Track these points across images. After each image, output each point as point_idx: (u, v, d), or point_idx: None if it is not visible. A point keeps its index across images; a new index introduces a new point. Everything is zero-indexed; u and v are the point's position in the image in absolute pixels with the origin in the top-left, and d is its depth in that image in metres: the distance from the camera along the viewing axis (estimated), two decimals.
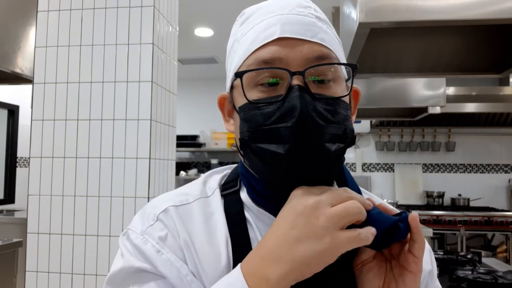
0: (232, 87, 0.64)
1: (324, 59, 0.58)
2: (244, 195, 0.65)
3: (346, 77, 0.63)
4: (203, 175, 0.72)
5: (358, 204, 0.51)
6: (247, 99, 0.58)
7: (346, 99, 0.60)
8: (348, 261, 0.60)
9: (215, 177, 0.70)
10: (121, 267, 0.60)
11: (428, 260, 0.71)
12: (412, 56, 1.57)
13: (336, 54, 0.61)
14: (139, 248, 0.60)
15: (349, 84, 0.64)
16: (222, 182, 0.69)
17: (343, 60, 0.63)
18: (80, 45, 1.87)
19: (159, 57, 1.90)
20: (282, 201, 0.56)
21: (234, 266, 0.58)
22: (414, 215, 0.54)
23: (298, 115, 0.53)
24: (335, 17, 3.08)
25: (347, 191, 0.54)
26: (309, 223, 0.50)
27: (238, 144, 0.61)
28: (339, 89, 0.60)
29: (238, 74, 0.59)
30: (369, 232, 0.51)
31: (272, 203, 0.60)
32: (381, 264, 0.57)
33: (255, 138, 0.56)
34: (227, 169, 0.73)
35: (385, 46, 1.51)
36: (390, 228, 0.52)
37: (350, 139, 0.57)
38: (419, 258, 0.54)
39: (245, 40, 0.62)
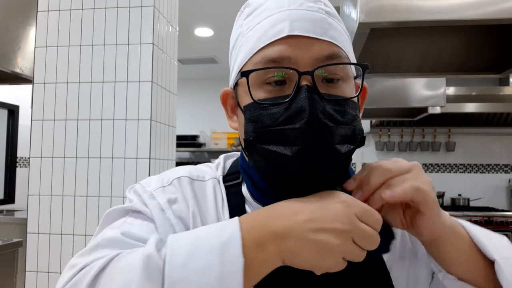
0: (236, 84, 0.61)
1: (334, 58, 0.56)
2: (244, 189, 0.64)
3: (355, 74, 0.61)
4: (217, 160, 0.72)
5: (376, 235, 0.49)
6: (253, 99, 0.56)
7: (355, 98, 0.58)
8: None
9: (221, 163, 0.70)
10: (124, 206, 0.61)
11: None
12: (412, 56, 1.57)
13: (346, 52, 0.59)
14: (145, 200, 0.60)
15: (358, 83, 0.62)
16: (226, 172, 0.68)
17: (353, 56, 0.61)
18: (80, 45, 1.87)
19: (159, 57, 1.90)
20: (284, 199, 0.55)
21: None
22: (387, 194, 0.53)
23: (307, 117, 0.51)
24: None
25: (375, 214, 0.51)
26: (334, 225, 0.48)
27: (243, 144, 0.59)
28: (348, 89, 0.58)
29: (244, 73, 0.56)
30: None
31: (273, 201, 0.59)
32: (397, 207, 0.56)
33: (261, 139, 0.54)
34: (228, 157, 0.72)
35: (385, 46, 1.51)
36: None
37: (360, 139, 0.55)
38: (425, 214, 0.53)
39: (251, 35, 0.59)
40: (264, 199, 0.60)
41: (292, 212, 0.49)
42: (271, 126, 0.53)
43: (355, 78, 0.61)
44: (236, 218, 0.50)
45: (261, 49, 0.56)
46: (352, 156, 0.57)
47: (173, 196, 0.61)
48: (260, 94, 0.56)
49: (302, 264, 0.48)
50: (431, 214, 0.53)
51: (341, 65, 0.57)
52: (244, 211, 0.62)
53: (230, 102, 0.65)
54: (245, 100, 0.58)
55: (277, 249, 0.48)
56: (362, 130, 0.57)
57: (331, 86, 0.56)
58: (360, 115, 0.64)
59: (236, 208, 0.62)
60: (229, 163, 0.70)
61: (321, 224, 0.47)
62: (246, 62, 0.58)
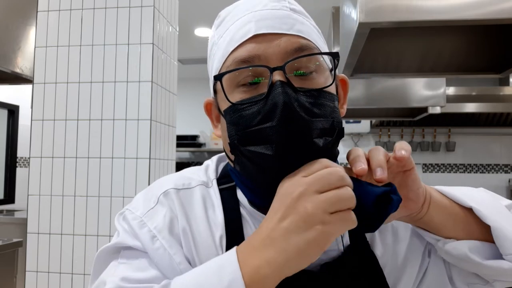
0: (215, 92, 0.62)
1: (303, 50, 0.56)
2: (239, 192, 0.64)
3: (330, 66, 0.60)
4: (206, 162, 0.71)
5: (348, 192, 0.48)
6: (229, 101, 0.56)
7: (332, 89, 0.58)
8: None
9: (212, 165, 0.69)
10: (115, 242, 0.60)
11: None
12: (412, 56, 1.57)
13: (316, 44, 0.58)
14: (135, 230, 0.59)
15: (344, 78, 0.62)
16: (219, 175, 0.67)
17: (325, 49, 0.61)
18: (80, 45, 1.87)
19: (159, 57, 1.90)
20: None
21: None
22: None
23: (280, 112, 0.50)
24: (335, 17, 3.07)
25: (335, 174, 0.49)
26: (298, 213, 0.48)
27: (228, 149, 0.58)
28: (323, 80, 0.57)
29: (217, 77, 0.57)
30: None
31: (265, 201, 0.58)
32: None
33: (244, 141, 0.54)
34: (221, 159, 0.71)
35: (385, 46, 1.51)
36: (381, 197, 0.51)
37: (338, 131, 0.55)
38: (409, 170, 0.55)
39: (222, 42, 0.60)
40: (258, 200, 0.60)
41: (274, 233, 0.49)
42: (251, 127, 0.53)
43: (331, 70, 0.60)
44: (234, 256, 0.50)
45: (231, 52, 0.57)
46: None
47: (162, 217, 0.60)
48: (236, 96, 0.56)
49: (308, 264, 0.49)
50: (415, 170, 0.56)
51: (313, 58, 0.56)
52: (239, 215, 0.61)
53: (214, 111, 0.65)
54: (224, 105, 0.58)
55: (280, 274, 0.48)
56: (341, 122, 0.56)
57: (305, 79, 0.56)
58: (344, 108, 0.64)
59: (231, 211, 0.62)
60: (222, 165, 0.69)
61: (301, 236, 0.47)
62: (220, 68, 0.59)
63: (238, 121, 0.55)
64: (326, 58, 0.60)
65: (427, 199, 0.59)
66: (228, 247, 0.58)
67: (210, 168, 0.68)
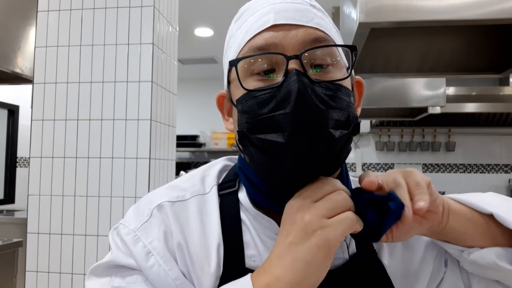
0: (229, 82, 0.61)
1: (321, 41, 0.55)
2: (242, 195, 0.62)
3: (347, 65, 0.59)
4: (202, 168, 0.69)
5: (342, 195, 0.49)
6: (243, 87, 0.54)
7: (348, 85, 0.57)
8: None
9: (214, 172, 0.67)
10: (108, 260, 0.58)
11: None
12: (412, 56, 1.57)
13: (334, 39, 0.58)
14: (129, 246, 0.58)
15: (359, 80, 0.62)
16: (221, 180, 0.66)
17: (340, 41, 0.61)
18: (80, 45, 1.87)
19: (159, 57, 1.90)
20: (283, 198, 0.54)
21: (224, 270, 0.57)
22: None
23: (295, 99, 0.49)
24: (335, 17, 3.08)
25: (329, 183, 0.51)
26: (297, 225, 0.49)
27: (237, 138, 0.57)
28: (339, 74, 0.56)
29: (233, 62, 0.55)
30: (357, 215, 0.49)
31: (273, 201, 0.58)
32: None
33: (254, 129, 0.52)
34: (227, 161, 0.70)
35: (385, 46, 1.51)
36: (380, 204, 0.50)
37: (354, 125, 0.53)
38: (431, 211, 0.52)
39: (239, 33, 0.59)
40: (264, 200, 0.59)
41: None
42: (263, 114, 0.52)
43: (348, 68, 0.59)
44: (247, 279, 0.50)
45: (248, 41, 0.57)
46: (352, 156, 0.57)
47: (156, 231, 0.59)
48: (250, 84, 0.55)
49: (321, 275, 0.49)
50: (431, 183, 0.54)
51: (330, 52, 0.56)
52: (238, 220, 0.60)
53: (226, 104, 0.64)
54: (238, 94, 0.57)
55: None
56: (356, 117, 0.55)
57: (321, 72, 0.54)
58: (359, 110, 0.63)
59: (230, 218, 0.61)
60: (225, 174, 0.68)
61: (304, 246, 0.48)
62: (236, 57, 0.58)
63: (250, 109, 0.53)
64: (343, 56, 0.59)
65: (446, 208, 0.57)
66: (226, 255, 0.58)
67: (210, 176, 0.66)
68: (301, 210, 0.49)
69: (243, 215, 0.61)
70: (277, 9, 0.56)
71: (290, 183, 0.53)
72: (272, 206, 0.58)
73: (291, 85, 0.50)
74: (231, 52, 0.60)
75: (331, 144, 0.51)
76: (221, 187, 0.64)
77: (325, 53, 0.55)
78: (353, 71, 0.59)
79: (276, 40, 0.54)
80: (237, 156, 0.69)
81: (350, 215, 0.48)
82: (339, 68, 0.57)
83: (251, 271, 0.53)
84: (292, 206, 0.51)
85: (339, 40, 0.60)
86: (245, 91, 0.54)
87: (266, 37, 0.55)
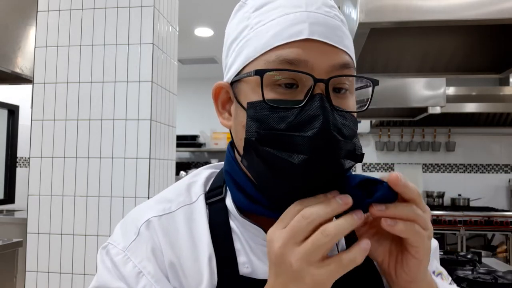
0: (238, 80, 0.58)
1: (347, 68, 0.55)
2: (229, 202, 0.61)
3: (357, 86, 0.60)
4: (187, 177, 0.67)
5: (327, 231, 0.47)
6: (264, 99, 0.52)
7: (355, 114, 0.57)
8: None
9: (200, 180, 0.66)
10: (97, 286, 0.57)
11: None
12: (412, 56, 1.57)
13: (354, 62, 0.58)
14: (118, 267, 0.57)
15: (369, 103, 0.60)
16: (208, 188, 0.65)
17: (354, 62, 0.60)
18: (80, 45, 1.87)
19: (159, 57, 1.90)
20: (273, 206, 0.54)
21: (219, 280, 0.56)
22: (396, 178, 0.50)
23: (319, 126, 0.49)
24: None
25: (305, 218, 0.48)
26: (286, 270, 0.47)
27: (239, 139, 0.56)
28: (353, 102, 0.57)
29: (259, 72, 0.53)
30: (357, 252, 0.47)
31: (259, 205, 0.57)
32: (386, 235, 0.54)
33: (265, 141, 0.51)
34: (213, 168, 0.68)
35: (385, 46, 1.51)
36: (368, 179, 0.50)
37: (359, 156, 0.54)
38: (418, 247, 0.50)
39: (264, 30, 0.55)
40: (250, 205, 0.58)
41: None
42: (279, 130, 0.51)
43: (357, 89, 0.60)
44: None
45: (275, 47, 0.54)
46: None
47: (145, 250, 0.58)
48: (269, 95, 0.53)
49: None
50: (421, 261, 0.52)
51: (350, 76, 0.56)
52: (228, 229, 0.59)
53: (222, 97, 0.62)
54: (250, 97, 0.55)
55: None
56: (361, 147, 0.55)
57: (339, 97, 0.55)
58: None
59: (219, 227, 0.60)
60: (212, 180, 0.66)
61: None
62: (256, 58, 0.55)
63: (265, 119, 0.52)
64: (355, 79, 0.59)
65: (417, 284, 0.54)
66: (219, 265, 0.57)
67: (197, 184, 0.65)
68: (286, 255, 0.48)
69: (232, 223, 0.60)
70: (312, 19, 0.54)
71: (288, 197, 0.52)
72: (258, 211, 0.57)
73: (315, 109, 0.50)
74: (248, 47, 0.56)
75: (339, 172, 0.51)
76: (208, 195, 0.63)
77: (346, 78, 0.55)
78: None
79: (307, 58, 0.52)
80: (222, 163, 0.67)
81: (345, 260, 0.47)
82: (353, 94, 0.57)
83: (246, 278, 0.53)
84: (273, 243, 0.49)
85: (354, 59, 0.60)
86: (261, 97, 0.53)
87: (297, 51, 0.53)
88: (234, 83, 0.59)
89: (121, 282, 0.56)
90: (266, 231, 0.52)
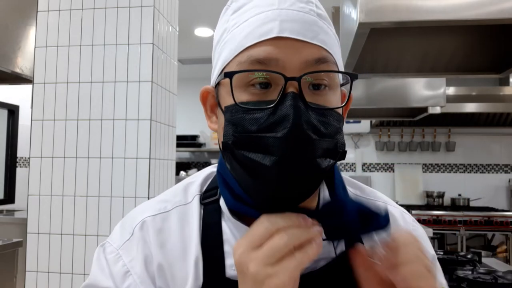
0: (218, 83, 0.58)
1: (323, 63, 0.53)
2: (222, 203, 0.61)
3: (342, 82, 0.58)
4: (188, 177, 0.68)
5: (284, 239, 0.47)
6: (235, 101, 0.52)
7: (340, 109, 0.56)
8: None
9: (198, 180, 0.66)
10: (88, 284, 0.60)
11: (429, 245, 0.67)
12: (412, 56, 1.57)
13: (335, 58, 0.56)
14: (110, 266, 0.59)
15: (345, 90, 0.59)
16: (204, 189, 0.65)
17: (341, 62, 0.59)
18: (80, 45, 1.87)
19: (159, 57, 1.90)
20: (258, 206, 0.54)
21: (205, 280, 0.57)
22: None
23: (289, 126, 0.48)
24: (335, 17, 3.07)
25: (272, 223, 0.49)
26: (246, 276, 0.48)
27: (221, 143, 0.56)
28: (334, 98, 0.55)
29: (228, 74, 0.52)
30: (308, 248, 0.48)
31: (246, 206, 0.57)
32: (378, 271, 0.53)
33: (240, 144, 0.51)
34: (213, 168, 0.69)
35: (385, 46, 1.51)
36: (365, 209, 0.50)
37: (340, 153, 0.53)
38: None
39: (237, 32, 0.55)
40: (240, 206, 0.58)
41: None
42: (252, 132, 0.50)
43: (342, 85, 0.59)
44: None
45: (247, 48, 0.53)
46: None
47: (135, 251, 0.59)
48: (243, 96, 0.53)
49: None
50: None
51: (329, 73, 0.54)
52: (220, 230, 0.60)
53: (210, 101, 0.62)
54: (227, 101, 0.55)
55: None
56: (344, 144, 0.54)
57: (317, 94, 0.53)
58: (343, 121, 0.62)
59: (211, 228, 0.60)
60: (209, 181, 0.67)
61: None
62: (231, 61, 0.55)
63: (239, 122, 0.52)
64: (340, 75, 0.57)
65: None
66: (206, 267, 0.58)
67: (194, 185, 0.66)
68: (244, 261, 0.48)
69: (224, 224, 0.61)
70: (283, 16, 0.53)
71: (268, 200, 0.53)
72: (247, 212, 0.57)
73: (286, 109, 0.49)
74: (225, 50, 0.57)
75: (316, 173, 0.51)
76: (204, 195, 0.64)
77: (324, 74, 0.54)
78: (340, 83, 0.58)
79: (278, 56, 0.51)
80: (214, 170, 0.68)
81: (299, 256, 0.47)
82: (335, 90, 0.56)
83: (231, 281, 0.53)
84: (236, 251, 0.50)
85: (338, 56, 0.58)
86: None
87: (267, 50, 0.52)
88: (216, 86, 0.59)
89: (109, 280, 0.58)
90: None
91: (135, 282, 0.57)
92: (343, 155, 0.54)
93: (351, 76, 0.55)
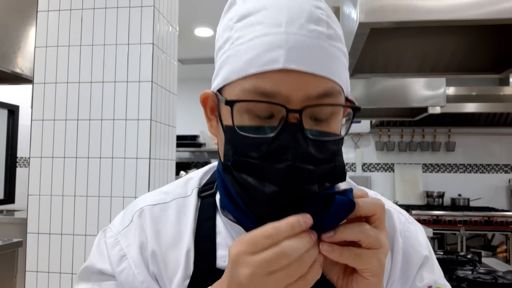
0: (220, 92, 0.57)
1: (327, 96, 0.52)
2: (218, 198, 0.63)
3: (344, 103, 0.57)
4: (189, 173, 0.71)
5: (283, 254, 0.45)
6: (235, 128, 0.52)
7: (341, 131, 0.56)
8: None
9: (198, 175, 0.69)
10: (87, 265, 0.64)
11: (424, 245, 0.66)
12: (412, 56, 1.57)
13: (342, 86, 0.55)
14: (108, 249, 0.63)
15: (348, 129, 0.59)
16: (203, 182, 0.67)
17: (347, 82, 0.57)
18: (80, 45, 1.87)
19: (159, 57, 1.90)
20: (257, 219, 0.54)
21: (195, 269, 0.59)
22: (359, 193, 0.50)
23: (289, 160, 0.49)
24: (335, 17, 3.07)
25: (259, 233, 0.47)
26: (234, 277, 0.47)
27: (222, 159, 0.57)
28: (336, 123, 0.55)
29: (229, 103, 0.52)
30: (312, 271, 0.47)
31: (245, 217, 0.58)
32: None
33: (239, 167, 0.53)
34: (214, 163, 0.71)
35: (385, 46, 1.51)
36: (327, 199, 0.49)
37: (338, 175, 0.54)
38: (364, 269, 0.49)
39: (242, 51, 0.53)
40: (234, 210, 0.59)
41: None
42: (251, 158, 0.52)
43: (344, 116, 0.58)
44: None
45: (252, 75, 0.52)
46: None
47: (133, 236, 0.63)
48: (244, 119, 0.53)
49: None
50: (371, 282, 0.50)
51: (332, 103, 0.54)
52: (213, 223, 0.62)
53: (210, 104, 0.62)
54: (228, 120, 0.54)
55: None
56: (343, 165, 0.54)
57: (317, 124, 0.54)
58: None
59: (205, 221, 0.62)
60: (208, 175, 0.69)
61: None
62: (234, 81, 0.54)
63: (239, 145, 0.53)
64: (343, 97, 0.56)
65: None
66: (197, 257, 0.60)
67: (193, 179, 0.68)
68: (238, 260, 0.47)
69: (218, 218, 0.63)
70: (291, 43, 0.51)
71: (265, 217, 0.52)
72: (242, 220, 0.58)
73: (285, 140, 0.50)
74: (227, 66, 0.55)
75: (312, 197, 0.51)
76: (202, 189, 0.66)
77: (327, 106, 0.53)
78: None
79: (282, 90, 0.51)
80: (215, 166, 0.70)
81: (286, 278, 0.46)
82: (337, 118, 0.55)
83: (221, 271, 0.53)
84: (233, 248, 0.49)
85: (346, 82, 0.56)
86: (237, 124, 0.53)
87: (273, 83, 0.51)
88: (217, 92, 0.58)
89: (106, 263, 0.62)
90: (246, 230, 0.55)
91: (129, 266, 0.61)
92: (342, 176, 0.54)
93: (353, 110, 0.56)
